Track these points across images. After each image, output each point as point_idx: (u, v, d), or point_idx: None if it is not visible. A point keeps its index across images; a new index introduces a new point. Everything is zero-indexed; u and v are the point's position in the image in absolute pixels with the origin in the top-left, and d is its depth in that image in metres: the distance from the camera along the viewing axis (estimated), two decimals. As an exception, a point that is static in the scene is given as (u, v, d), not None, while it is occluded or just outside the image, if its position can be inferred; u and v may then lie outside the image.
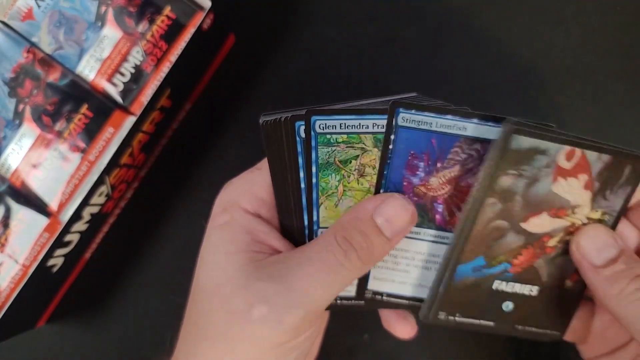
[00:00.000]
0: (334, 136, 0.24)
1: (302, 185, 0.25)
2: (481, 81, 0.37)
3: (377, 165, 0.24)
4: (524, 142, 0.23)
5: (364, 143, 0.24)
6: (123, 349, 0.37)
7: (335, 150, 0.24)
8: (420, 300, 0.26)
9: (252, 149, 0.37)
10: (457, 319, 0.26)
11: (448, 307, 0.26)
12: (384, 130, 0.24)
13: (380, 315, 0.28)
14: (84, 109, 0.31)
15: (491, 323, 0.26)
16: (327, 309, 0.26)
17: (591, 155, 0.24)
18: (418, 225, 0.25)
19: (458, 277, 0.25)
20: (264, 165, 0.26)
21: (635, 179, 0.24)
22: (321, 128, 0.24)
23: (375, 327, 0.29)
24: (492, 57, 0.37)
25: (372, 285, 0.26)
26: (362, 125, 0.24)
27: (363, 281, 0.26)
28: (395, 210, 0.23)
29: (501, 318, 0.26)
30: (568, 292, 0.26)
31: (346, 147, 0.24)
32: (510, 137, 0.23)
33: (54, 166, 0.31)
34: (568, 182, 0.24)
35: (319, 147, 0.24)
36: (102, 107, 0.31)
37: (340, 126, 0.24)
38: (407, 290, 0.26)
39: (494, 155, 0.23)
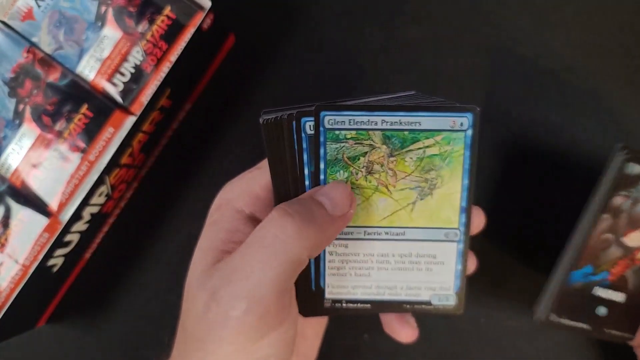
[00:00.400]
0: (343, 132, 0.24)
1: (307, 183, 0.25)
2: (481, 81, 0.37)
3: (385, 162, 0.25)
4: (635, 169, 0.29)
5: (372, 140, 0.24)
6: (123, 349, 0.37)
7: (343, 146, 0.24)
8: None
9: (252, 148, 0.37)
10: (563, 321, 0.30)
11: (559, 309, 0.30)
12: (392, 127, 0.24)
13: (381, 320, 0.28)
14: (84, 109, 0.31)
15: (588, 326, 0.30)
16: (305, 314, 0.26)
17: None
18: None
19: (571, 281, 0.30)
20: (263, 164, 0.26)
21: None
22: (330, 124, 0.24)
23: (375, 327, 0.29)
24: (492, 57, 0.37)
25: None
26: (371, 122, 0.24)
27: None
28: (334, 188, 0.24)
29: (595, 321, 0.30)
30: None
31: (355, 144, 0.24)
32: (625, 165, 0.29)
33: (54, 166, 0.31)
34: None
35: (327, 143, 0.24)
36: (102, 107, 0.31)
37: (350, 122, 0.24)
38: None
39: (611, 178, 0.30)
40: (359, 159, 0.25)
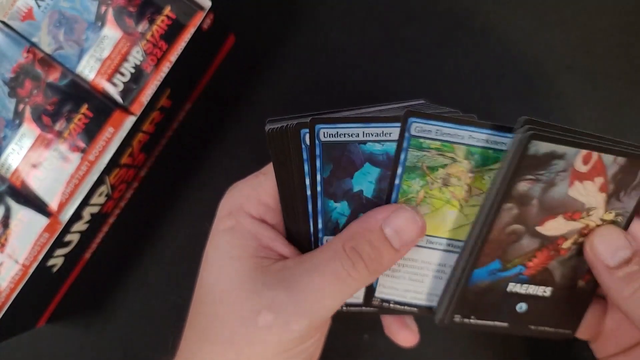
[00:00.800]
0: (427, 141, 0.24)
1: (308, 192, 0.25)
2: (482, 81, 0.37)
3: (463, 177, 0.24)
4: (542, 147, 0.23)
5: (455, 153, 0.24)
6: (123, 349, 0.37)
7: (425, 155, 0.24)
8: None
9: (252, 148, 0.37)
10: (471, 321, 0.26)
11: (463, 310, 0.26)
12: (478, 144, 0.24)
13: (383, 323, 0.28)
14: (84, 109, 0.31)
15: (505, 324, 0.27)
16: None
17: (607, 158, 0.24)
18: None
19: (473, 280, 0.26)
20: (269, 170, 0.26)
21: None
22: (417, 131, 0.24)
23: (375, 327, 0.29)
24: (492, 58, 0.37)
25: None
26: (458, 135, 0.24)
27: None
28: (405, 221, 0.24)
29: (515, 319, 0.27)
30: (580, 291, 0.26)
31: (437, 154, 0.24)
32: (529, 143, 0.23)
33: (54, 166, 0.31)
34: (584, 186, 0.24)
35: (410, 149, 0.24)
36: (102, 107, 0.31)
37: (436, 132, 0.24)
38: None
39: (512, 161, 0.23)
40: (437, 170, 0.24)
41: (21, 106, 0.31)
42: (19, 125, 0.31)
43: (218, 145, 0.38)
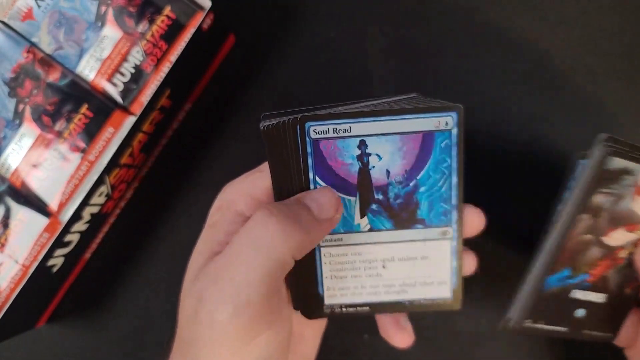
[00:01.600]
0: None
1: (311, 187, 0.25)
2: (482, 81, 0.37)
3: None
4: (617, 163, 0.26)
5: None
6: (123, 349, 0.37)
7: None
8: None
9: (251, 148, 0.37)
10: (538, 325, 0.28)
11: (534, 315, 0.28)
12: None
13: (378, 324, 0.28)
14: (84, 109, 0.31)
15: (565, 329, 0.29)
16: (312, 316, 0.26)
17: None
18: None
19: (546, 287, 0.28)
20: (264, 167, 0.26)
21: None
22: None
23: (375, 327, 0.29)
24: (492, 57, 0.37)
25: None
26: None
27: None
28: (321, 193, 0.24)
29: (573, 324, 0.29)
30: (625, 298, 0.29)
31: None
32: (607, 159, 0.26)
33: (54, 166, 0.31)
34: None
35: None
36: (102, 107, 0.31)
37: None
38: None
39: (591, 175, 0.26)
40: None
41: (21, 106, 0.31)
42: (19, 125, 0.31)
43: (218, 145, 0.38)
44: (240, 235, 0.22)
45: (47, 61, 0.31)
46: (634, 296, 0.28)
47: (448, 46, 0.37)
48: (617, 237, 0.27)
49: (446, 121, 0.24)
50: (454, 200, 0.25)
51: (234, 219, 0.25)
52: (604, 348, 0.30)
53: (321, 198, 0.24)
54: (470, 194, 0.26)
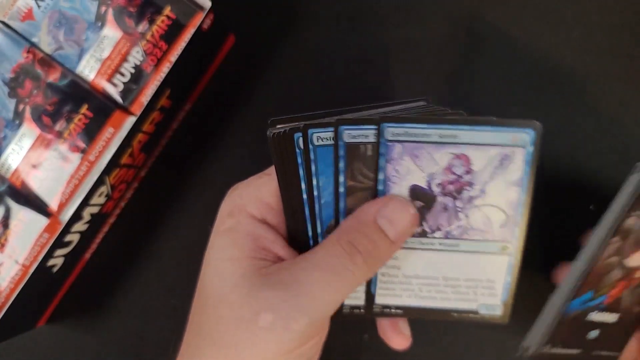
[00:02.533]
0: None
1: (316, 193, 0.25)
2: (482, 81, 0.37)
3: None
4: None
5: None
6: (123, 349, 0.37)
7: None
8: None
9: (252, 148, 0.37)
10: (555, 350, 0.27)
11: (552, 341, 0.27)
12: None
13: (377, 325, 0.28)
14: (84, 109, 0.31)
15: (578, 350, 0.28)
16: (335, 317, 0.26)
17: None
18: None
19: (569, 311, 0.27)
20: (272, 171, 0.26)
21: None
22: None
23: (375, 327, 0.29)
24: (492, 58, 0.37)
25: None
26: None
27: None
28: (397, 211, 0.24)
29: (586, 345, 0.28)
30: (634, 317, 0.28)
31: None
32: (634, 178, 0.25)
33: (54, 166, 0.31)
34: None
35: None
36: (102, 107, 0.31)
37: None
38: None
39: (628, 198, 0.25)
40: None
41: (21, 106, 0.31)
42: (19, 125, 0.31)
43: (218, 145, 0.38)
44: (322, 256, 0.23)
45: (47, 61, 0.31)
46: None
47: (448, 47, 0.37)
48: (638, 259, 0.27)
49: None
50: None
51: (252, 223, 0.25)
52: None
53: (397, 218, 0.24)
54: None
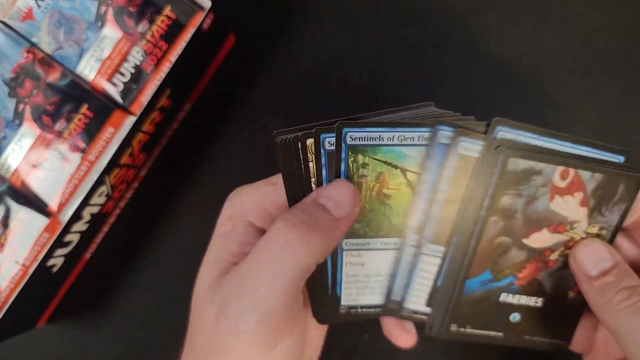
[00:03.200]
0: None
1: None
2: (482, 81, 0.37)
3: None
4: (520, 164, 0.24)
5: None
6: (123, 349, 0.37)
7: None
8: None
9: (251, 148, 0.37)
10: (467, 330, 0.27)
11: (459, 320, 0.27)
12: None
13: (382, 324, 0.28)
14: (84, 109, 0.31)
15: (500, 334, 0.27)
16: (321, 322, 0.26)
17: (584, 174, 0.25)
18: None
19: (467, 291, 0.26)
20: (277, 180, 0.25)
21: (629, 195, 0.25)
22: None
23: (375, 327, 0.29)
24: (493, 57, 0.37)
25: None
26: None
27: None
28: (336, 189, 0.23)
29: (509, 329, 0.27)
30: (571, 303, 0.27)
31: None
32: (507, 160, 0.24)
33: (54, 166, 0.31)
34: (564, 200, 0.25)
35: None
36: (102, 107, 0.31)
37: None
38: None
39: (493, 177, 0.24)
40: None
41: (21, 106, 0.31)
42: (19, 125, 0.31)
43: (218, 145, 0.38)
44: (261, 245, 0.22)
45: (47, 61, 0.31)
46: (580, 300, 0.27)
47: (448, 46, 0.37)
48: (541, 239, 0.26)
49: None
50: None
51: (247, 230, 0.25)
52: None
53: (337, 194, 0.23)
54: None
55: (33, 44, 0.32)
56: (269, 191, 0.25)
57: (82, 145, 0.31)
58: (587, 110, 0.37)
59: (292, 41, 0.38)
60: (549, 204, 0.25)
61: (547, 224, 0.26)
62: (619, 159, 0.25)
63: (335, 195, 0.23)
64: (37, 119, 0.31)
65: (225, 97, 0.38)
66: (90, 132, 0.31)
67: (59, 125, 0.31)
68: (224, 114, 0.38)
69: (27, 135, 0.31)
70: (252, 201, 0.25)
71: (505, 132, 0.24)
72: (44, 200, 0.31)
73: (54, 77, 0.31)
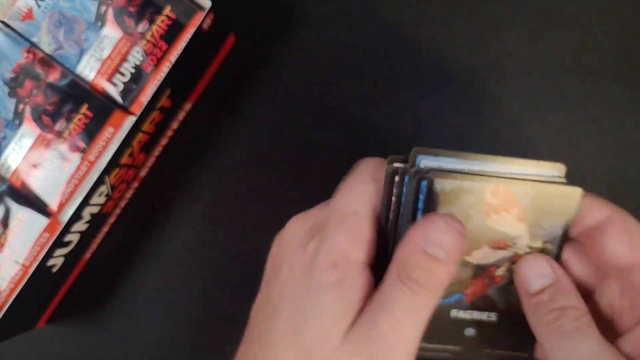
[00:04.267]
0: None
1: None
2: (481, 81, 0.37)
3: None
4: (447, 184, 0.24)
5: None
6: (123, 349, 0.37)
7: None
8: None
9: (252, 148, 0.38)
10: (427, 345, 0.27)
11: (428, 336, 0.26)
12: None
13: None
14: (84, 109, 0.31)
15: (458, 348, 0.27)
16: None
17: (516, 190, 0.24)
18: None
19: None
20: (362, 210, 0.25)
21: (568, 208, 0.25)
22: None
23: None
24: (492, 57, 0.37)
25: None
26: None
27: None
28: (441, 232, 0.23)
29: (467, 343, 0.27)
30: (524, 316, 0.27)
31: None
32: (433, 182, 0.24)
33: (54, 166, 0.31)
34: (500, 217, 0.25)
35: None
36: (102, 107, 0.31)
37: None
38: None
39: (421, 199, 0.24)
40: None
41: (21, 106, 0.31)
42: (19, 125, 0.31)
43: (218, 145, 0.38)
44: (386, 307, 0.23)
45: (47, 61, 0.31)
46: None
47: (448, 46, 0.37)
48: (483, 256, 0.25)
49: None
50: None
51: (362, 273, 0.24)
52: None
53: (444, 239, 0.23)
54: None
55: (33, 44, 0.32)
56: (356, 221, 0.25)
57: (82, 145, 0.31)
58: (587, 110, 0.37)
59: (293, 41, 0.38)
60: (486, 221, 0.25)
61: (487, 241, 0.25)
62: (553, 173, 0.25)
63: (442, 241, 0.23)
64: (37, 119, 0.31)
65: (226, 97, 0.38)
66: (90, 132, 0.31)
67: (59, 125, 0.31)
68: (224, 114, 0.38)
69: (27, 135, 0.31)
70: (347, 239, 0.24)
71: (427, 161, 0.24)
72: (44, 200, 0.31)
73: (54, 77, 0.31)
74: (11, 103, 0.31)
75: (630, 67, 0.37)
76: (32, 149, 0.31)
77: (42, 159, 0.31)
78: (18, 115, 0.31)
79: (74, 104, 0.31)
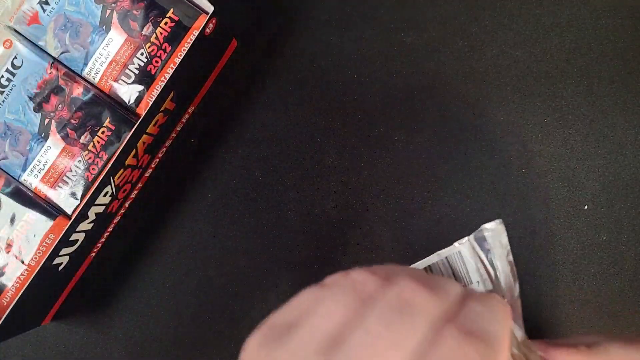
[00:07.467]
0: None
1: None
2: (477, 84, 0.37)
3: None
4: None
5: None
6: (128, 347, 0.37)
7: None
8: None
9: (253, 150, 0.38)
10: None
11: None
12: None
13: None
14: (106, 122, 0.32)
15: None
16: None
17: None
18: None
19: None
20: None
21: None
22: None
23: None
24: (488, 61, 0.38)
25: None
26: None
27: None
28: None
29: None
30: None
31: None
32: None
33: (77, 177, 0.32)
34: None
35: None
36: (123, 119, 0.32)
37: None
38: None
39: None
40: None
41: (46, 120, 0.32)
42: (45, 138, 0.32)
43: (221, 146, 0.38)
44: None
45: (71, 76, 0.32)
46: None
47: (445, 50, 0.38)
48: None
49: None
50: None
51: None
52: None
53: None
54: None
55: (39, 48, 0.32)
56: None
57: (106, 156, 0.32)
58: (582, 113, 0.37)
59: (295, 46, 0.38)
60: None
61: None
62: None
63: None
64: (62, 132, 0.32)
65: (228, 100, 0.38)
66: (113, 143, 0.32)
67: (83, 137, 0.32)
68: (227, 117, 0.38)
69: (52, 148, 0.32)
70: None
71: None
72: (64, 210, 0.32)
73: (77, 92, 0.32)
74: (37, 117, 0.32)
75: (623, 70, 0.37)
76: (57, 159, 0.32)
77: (66, 170, 0.32)
78: (44, 129, 0.32)
79: (97, 117, 0.32)
